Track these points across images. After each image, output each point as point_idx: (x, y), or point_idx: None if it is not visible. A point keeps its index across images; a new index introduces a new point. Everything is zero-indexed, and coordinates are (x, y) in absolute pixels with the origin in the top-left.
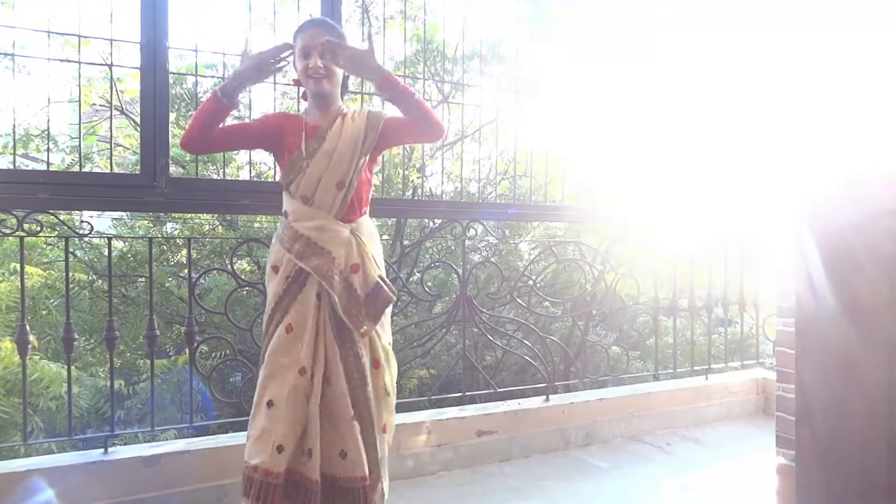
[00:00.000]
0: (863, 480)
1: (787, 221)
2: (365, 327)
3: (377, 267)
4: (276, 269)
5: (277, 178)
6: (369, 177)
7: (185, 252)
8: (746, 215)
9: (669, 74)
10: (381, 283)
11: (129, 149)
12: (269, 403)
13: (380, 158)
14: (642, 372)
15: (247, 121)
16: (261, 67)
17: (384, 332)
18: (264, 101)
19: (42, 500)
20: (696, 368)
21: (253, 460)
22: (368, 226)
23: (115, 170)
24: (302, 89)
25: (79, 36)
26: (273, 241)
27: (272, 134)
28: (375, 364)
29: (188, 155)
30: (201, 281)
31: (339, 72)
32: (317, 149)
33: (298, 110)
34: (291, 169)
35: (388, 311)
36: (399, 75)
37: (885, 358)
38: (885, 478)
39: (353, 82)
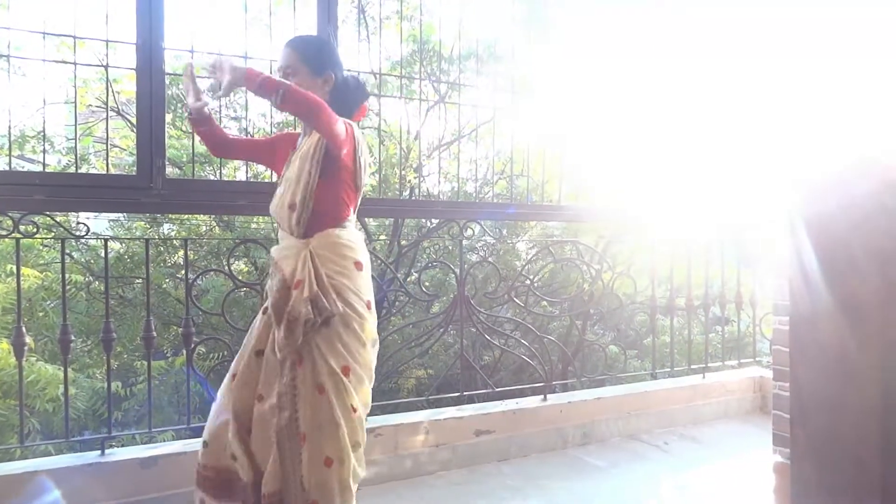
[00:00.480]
0: (857, 477)
1: (782, 219)
2: (284, 347)
3: (316, 285)
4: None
5: (274, 178)
6: (331, 193)
7: (182, 253)
8: (743, 214)
9: (663, 72)
10: (308, 301)
11: (125, 150)
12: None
13: (360, 161)
14: (640, 371)
15: (263, 137)
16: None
17: (334, 356)
18: (259, 101)
19: (39, 502)
20: (693, 367)
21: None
22: (332, 238)
23: (112, 171)
24: None
25: (74, 37)
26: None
27: (264, 152)
28: (319, 390)
29: (185, 156)
30: (198, 282)
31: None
32: (286, 169)
33: (294, 119)
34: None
35: (342, 333)
36: (395, 76)
37: (879, 355)
38: (880, 475)
39: None
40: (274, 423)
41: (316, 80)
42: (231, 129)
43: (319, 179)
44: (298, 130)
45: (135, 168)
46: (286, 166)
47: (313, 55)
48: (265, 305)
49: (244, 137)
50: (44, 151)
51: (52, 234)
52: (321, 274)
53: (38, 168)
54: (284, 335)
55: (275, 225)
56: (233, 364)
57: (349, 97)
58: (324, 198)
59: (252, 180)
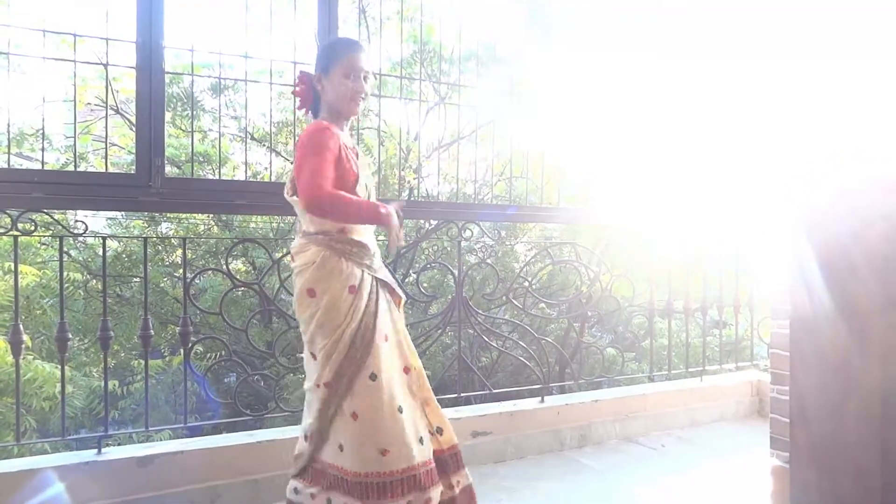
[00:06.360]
0: (857, 480)
1: (782, 224)
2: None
3: None
4: (354, 288)
5: (274, 178)
6: None
7: (180, 252)
8: (742, 218)
9: (664, 76)
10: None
11: (124, 148)
12: (400, 409)
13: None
14: (637, 373)
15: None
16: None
17: None
18: (259, 100)
19: (35, 500)
20: (690, 370)
21: (413, 461)
22: None
23: (111, 169)
24: (298, 99)
25: (74, 35)
26: (330, 259)
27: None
28: None
29: (184, 155)
30: (196, 281)
31: None
32: (356, 163)
33: (294, 119)
34: (348, 181)
35: None
36: (395, 76)
37: (879, 359)
38: (879, 478)
39: None
40: (426, 385)
41: None
42: (230, 129)
43: None
44: (338, 131)
45: (134, 167)
46: (358, 164)
47: None
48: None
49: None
50: (42, 149)
51: (51, 231)
52: None
53: (37, 166)
54: None
55: (274, 224)
56: (389, 365)
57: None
58: None
59: (251, 180)
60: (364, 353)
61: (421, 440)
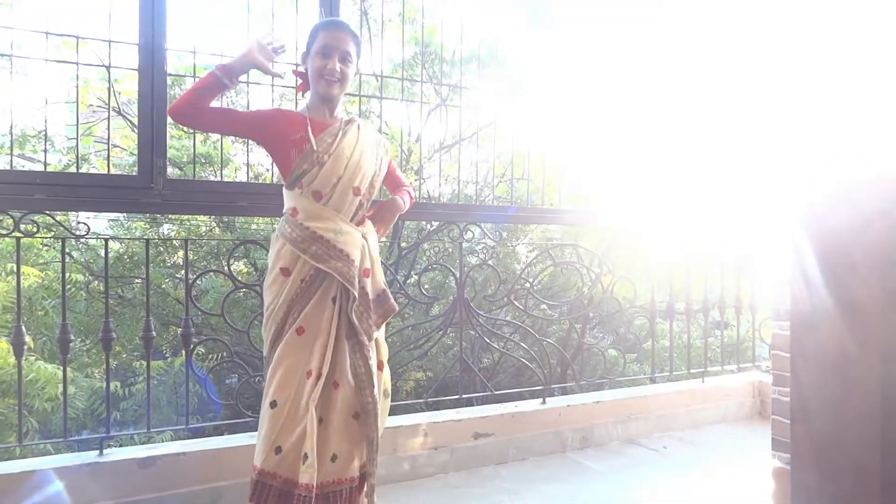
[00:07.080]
0: (857, 480)
1: (782, 224)
2: (374, 332)
3: (382, 274)
4: (287, 271)
5: (276, 180)
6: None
7: (181, 253)
8: (742, 219)
9: (666, 80)
10: (386, 291)
11: (126, 150)
12: (273, 404)
13: None
14: (639, 375)
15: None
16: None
17: (381, 335)
18: (262, 102)
19: (37, 501)
20: (692, 371)
21: (256, 462)
22: (373, 230)
23: (112, 171)
24: (299, 81)
25: (77, 37)
26: (277, 240)
27: (270, 126)
28: (380, 366)
29: (185, 156)
30: (198, 282)
31: (351, 78)
32: (331, 145)
33: (296, 106)
34: (304, 161)
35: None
36: (396, 78)
37: (880, 358)
38: (879, 478)
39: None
40: (358, 402)
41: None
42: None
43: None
44: (302, 111)
45: (136, 168)
46: (324, 136)
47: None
48: (332, 294)
49: (226, 107)
50: (45, 151)
51: (53, 233)
52: (379, 265)
53: (39, 167)
54: (378, 322)
55: (275, 226)
56: (307, 363)
57: None
58: (375, 191)
59: (252, 181)
60: (275, 339)
61: (278, 450)
